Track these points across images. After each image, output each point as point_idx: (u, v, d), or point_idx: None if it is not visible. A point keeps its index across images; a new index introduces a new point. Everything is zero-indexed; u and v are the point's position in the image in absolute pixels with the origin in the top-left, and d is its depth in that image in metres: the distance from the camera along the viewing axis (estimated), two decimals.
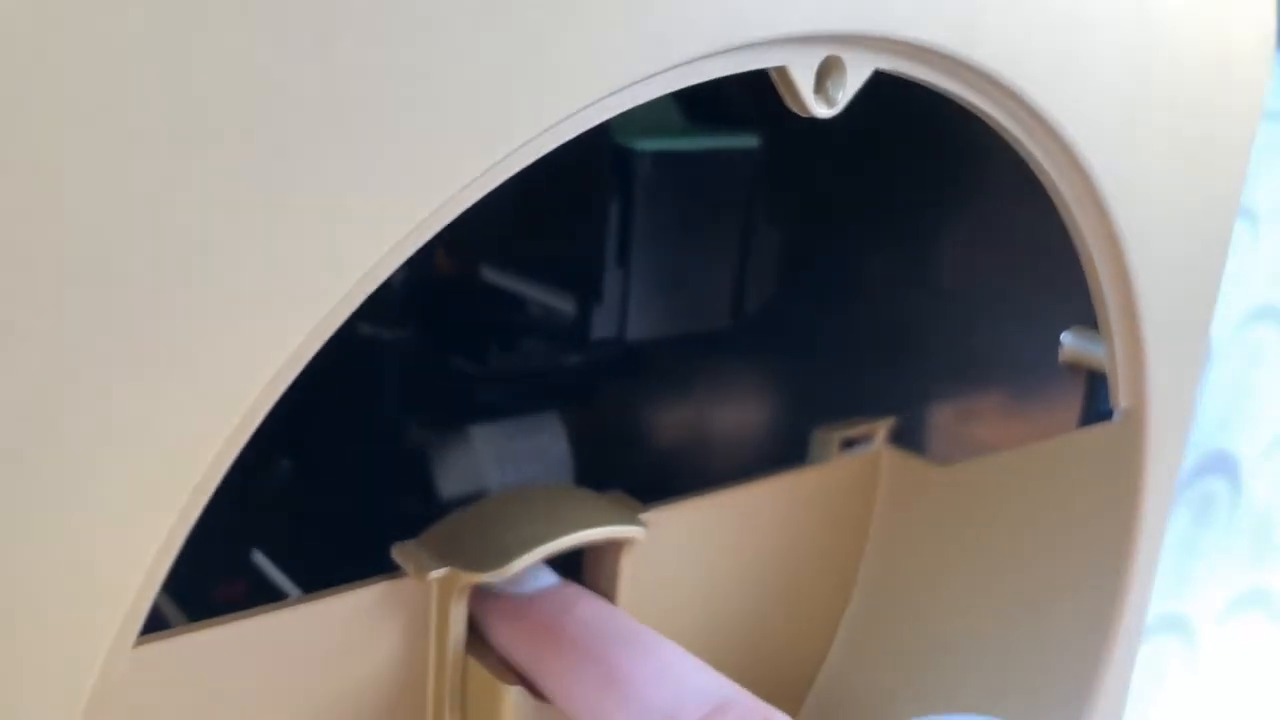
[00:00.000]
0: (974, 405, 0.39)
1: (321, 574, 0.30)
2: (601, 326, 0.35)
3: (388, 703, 0.30)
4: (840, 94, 0.22)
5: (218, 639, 0.26)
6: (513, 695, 0.29)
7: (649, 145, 0.34)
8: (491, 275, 0.39)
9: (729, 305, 0.37)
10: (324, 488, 0.43)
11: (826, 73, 0.22)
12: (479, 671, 0.30)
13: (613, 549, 0.32)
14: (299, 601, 0.28)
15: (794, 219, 0.40)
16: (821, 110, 0.22)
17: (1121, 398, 0.32)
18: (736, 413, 0.43)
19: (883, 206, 0.39)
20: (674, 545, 0.35)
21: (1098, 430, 0.33)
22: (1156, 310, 0.30)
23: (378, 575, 0.29)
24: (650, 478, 0.40)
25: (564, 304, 0.36)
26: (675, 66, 0.20)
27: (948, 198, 0.37)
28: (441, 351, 0.42)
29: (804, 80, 0.22)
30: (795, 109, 0.22)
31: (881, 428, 0.39)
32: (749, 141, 0.36)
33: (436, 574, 0.29)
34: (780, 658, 0.39)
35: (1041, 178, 0.27)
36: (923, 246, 0.39)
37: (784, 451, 0.40)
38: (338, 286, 0.19)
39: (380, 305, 0.42)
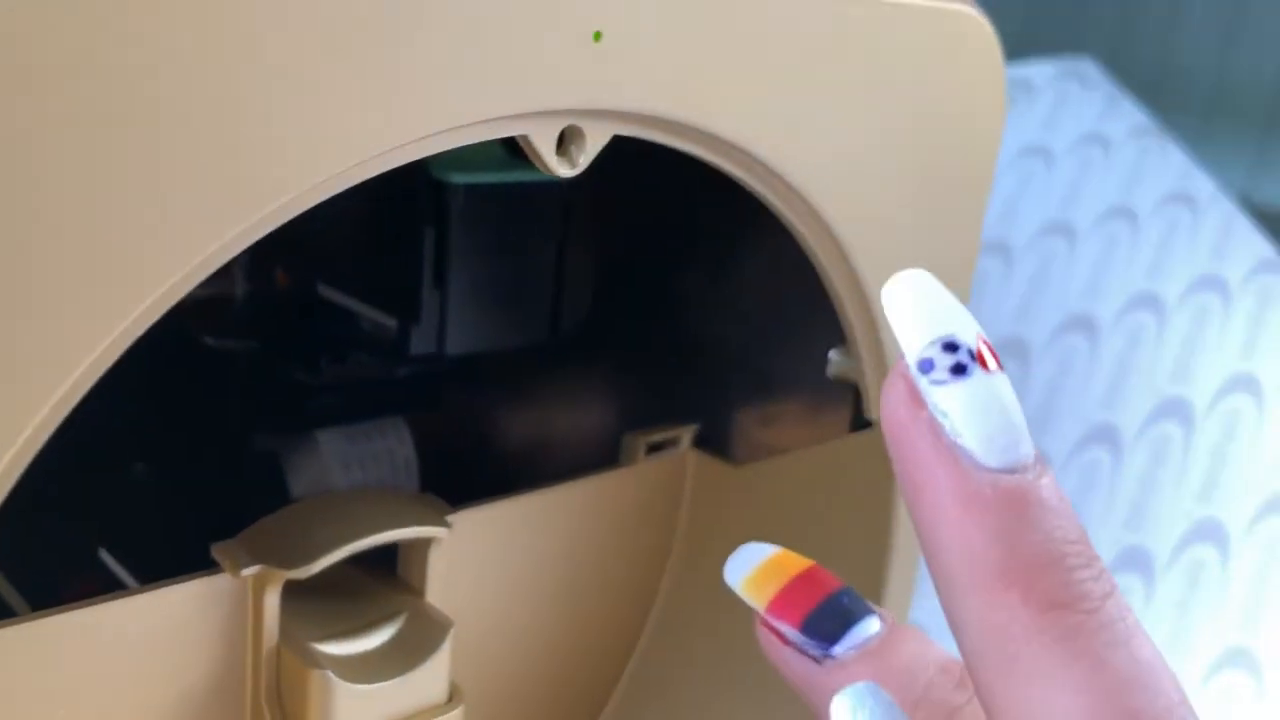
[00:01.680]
0: (771, 412, 0.43)
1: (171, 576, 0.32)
2: (420, 342, 0.38)
3: (209, 695, 0.33)
4: (582, 157, 0.26)
5: (35, 633, 0.29)
6: (317, 679, 0.32)
7: (462, 178, 0.37)
8: (327, 292, 0.42)
9: (545, 322, 0.41)
10: (177, 492, 0.45)
11: (570, 138, 0.26)
12: (291, 661, 0.33)
13: (421, 547, 0.35)
14: (117, 597, 0.31)
15: (607, 244, 0.43)
16: (564, 171, 0.26)
17: (872, 410, 0.36)
18: (559, 421, 0.47)
19: (685, 234, 0.43)
20: (487, 545, 0.38)
21: (859, 437, 0.37)
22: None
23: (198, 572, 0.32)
24: (484, 480, 0.43)
25: (389, 321, 0.39)
26: (426, 137, 0.23)
27: (744, 223, 0.41)
28: (283, 361, 0.45)
29: (545, 147, 0.25)
30: (540, 169, 0.26)
31: (687, 433, 0.43)
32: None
33: (249, 571, 0.32)
34: (592, 649, 0.43)
35: (785, 223, 0.31)
36: (722, 270, 0.42)
37: (605, 456, 0.44)
38: (122, 316, 0.22)
39: (226, 317, 0.45)
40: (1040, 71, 0.79)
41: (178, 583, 0.32)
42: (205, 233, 0.22)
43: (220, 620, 0.33)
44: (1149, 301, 0.69)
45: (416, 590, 0.36)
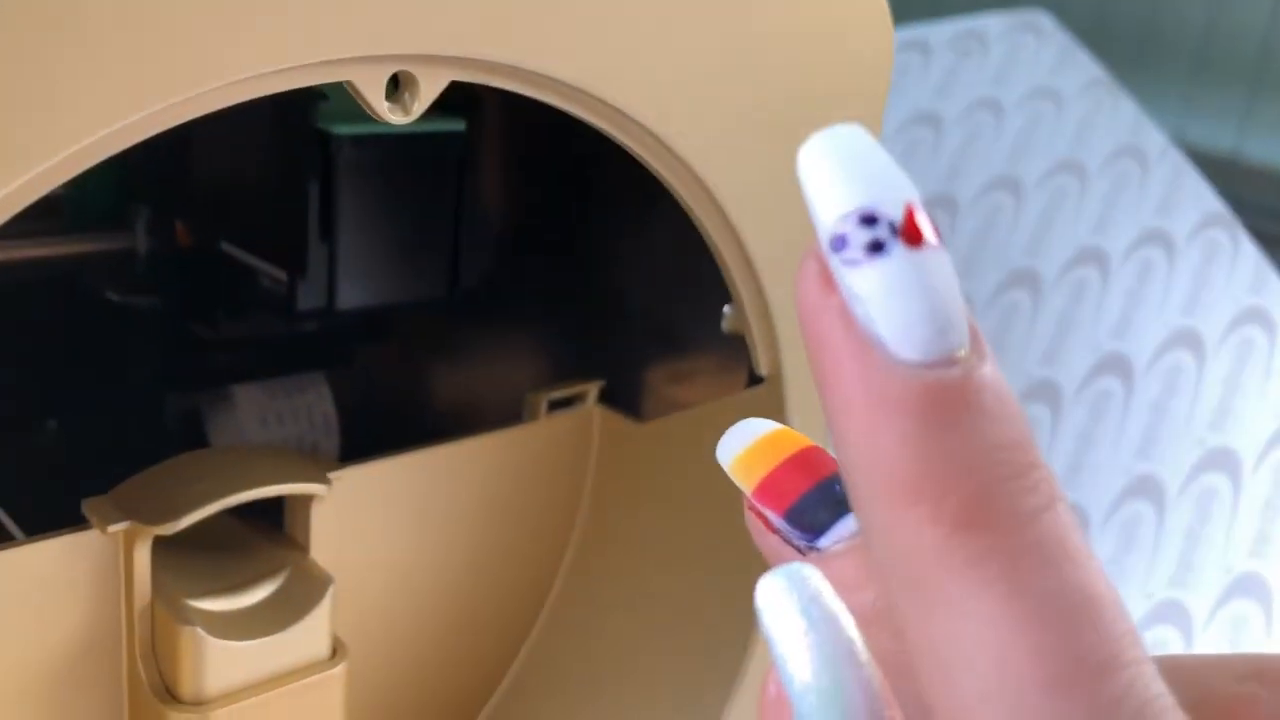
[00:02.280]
0: (681, 369, 0.43)
1: None
2: (309, 297, 0.38)
3: (88, 651, 0.33)
4: (416, 104, 0.25)
5: None
6: (188, 636, 0.32)
7: (347, 129, 0.36)
8: (229, 248, 0.42)
9: (444, 277, 0.40)
10: (88, 448, 0.45)
11: (403, 85, 0.25)
12: (164, 618, 0.32)
13: (304, 503, 0.35)
14: None
15: (511, 200, 0.43)
16: (396, 118, 0.25)
17: (762, 367, 0.35)
18: (471, 377, 0.46)
19: (593, 190, 0.42)
20: (378, 502, 0.38)
21: (751, 393, 0.37)
22: (782, 293, 0.34)
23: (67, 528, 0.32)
24: (407, 437, 0.42)
25: (280, 276, 0.39)
26: (242, 80, 0.23)
27: (651, 179, 0.41)
28: (191, 317, 0.44)
29: (373, 93, 0.24)
30: (373, 117, 0.25)
31: (591, 389, 0.42)
32: (455, 125, 0.39)
33: (117, 527, 0.31)
34: (497, 609, 0.43)
35: (654, 173, 0.30)
36: (630, 226, 0.42)
37: (512, 413, 0.43)
38: None
39: (130, 274, 0.45)
40: (994, 24, 0.78)
41: (43, 539, 0.32)
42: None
43: (92, 576, 0.32)
44: (1094, 257, 0.68)
45: (301, 547, 0.36)
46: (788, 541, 0.20)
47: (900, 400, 0.15)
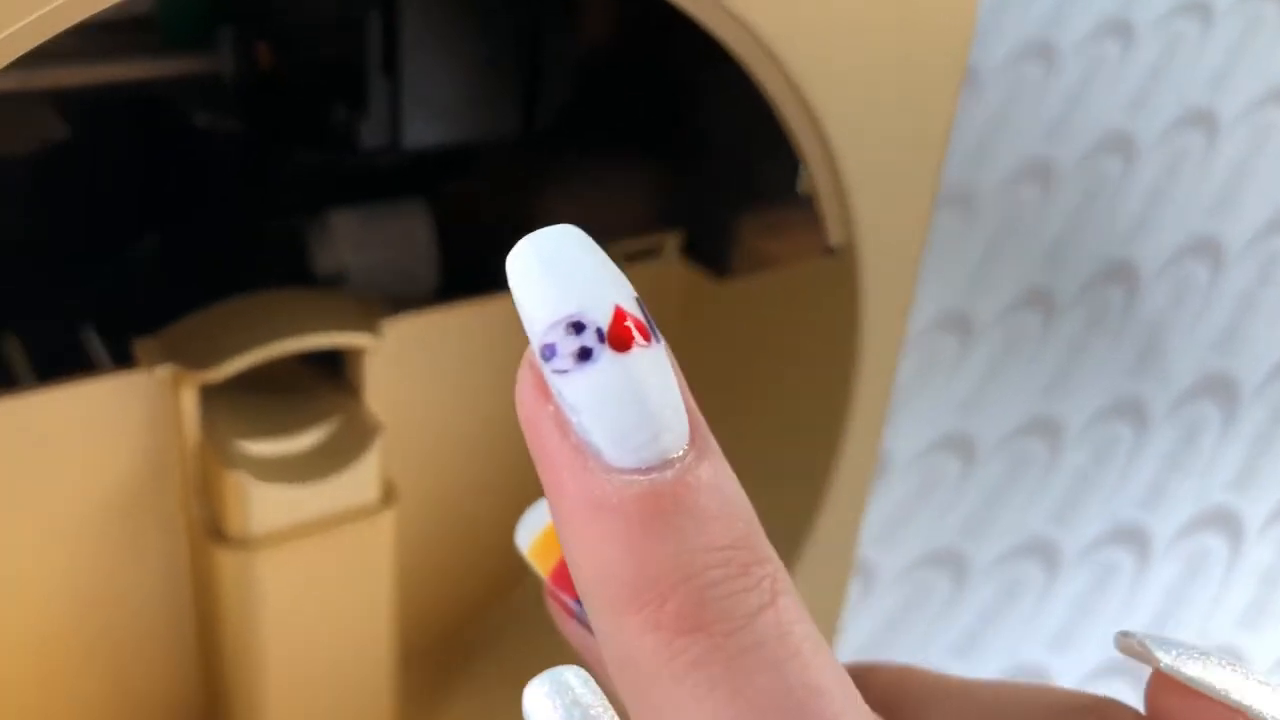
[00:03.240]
0: (766, 220, 0.40)
1: None
2: (372, 134, 0.36)
3: (146, 484, 0.34)
4: None
5: None
6: (233, 480, 0.32)
7: None
8: (306, 76, 0.40)
9: (518, 115, 0.38)
10: (181, 270, 0.45)
11: None
12: (212, 460, 0.33)
13: (356, 354, 0.35)
14: (30, 390, 0.31)
15: (585, 27, 0.40)
16: None
17: (831, 235, 0.32)
18: (545, 219, 0.44)
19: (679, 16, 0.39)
20: (439, 350, 0.37)
21: (824, 263, 0.34)
22: (855, 161, 0.30)
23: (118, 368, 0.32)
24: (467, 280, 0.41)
25: (343, 110, 0.37)
26: None
27: None
28: (276, 142, 0.44)
29: None
30: None
31: (672, 239, 0.40)
32: None
33: (162, 370, 0.32)
34: None
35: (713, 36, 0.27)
36: (716, 57, 0.39)
37: None
38: None
39: (217, 98, 0.44)
40: None
41: (96, 377, 0.32)
42: None
43: (146, 414, 0.33)
44: (1202, 118, 0.60)
45: (355, 392, 0.35)
46: (587, 628, 0.20)
47: (616, 508, 0.15)
